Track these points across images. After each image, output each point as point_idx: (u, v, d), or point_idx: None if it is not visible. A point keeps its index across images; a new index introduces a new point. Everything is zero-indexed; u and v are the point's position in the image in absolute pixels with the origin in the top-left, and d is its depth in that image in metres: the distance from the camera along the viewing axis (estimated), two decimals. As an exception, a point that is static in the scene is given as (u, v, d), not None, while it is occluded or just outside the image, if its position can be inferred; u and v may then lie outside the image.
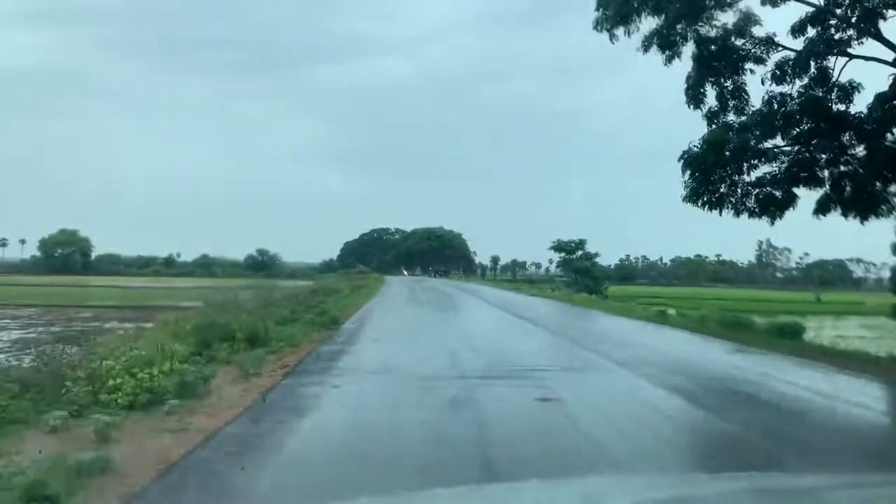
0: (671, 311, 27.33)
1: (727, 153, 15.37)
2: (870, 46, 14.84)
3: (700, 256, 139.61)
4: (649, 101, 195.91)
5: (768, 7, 15.68)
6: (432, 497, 1.88)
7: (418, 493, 2.12)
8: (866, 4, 14.56)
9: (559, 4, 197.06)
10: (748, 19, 15.86)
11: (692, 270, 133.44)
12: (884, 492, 1.84)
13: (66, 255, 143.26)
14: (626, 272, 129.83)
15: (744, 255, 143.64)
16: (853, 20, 14.84)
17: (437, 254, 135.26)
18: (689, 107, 16.22)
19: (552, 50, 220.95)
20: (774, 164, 15.57)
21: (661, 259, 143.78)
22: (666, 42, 15.56)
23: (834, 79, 15.19)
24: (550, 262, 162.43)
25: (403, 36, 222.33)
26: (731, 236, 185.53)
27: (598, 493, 1.81)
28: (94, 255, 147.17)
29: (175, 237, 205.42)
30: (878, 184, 14.91)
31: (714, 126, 16.09)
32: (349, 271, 77.25)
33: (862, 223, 15.17)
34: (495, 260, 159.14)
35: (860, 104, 15.11)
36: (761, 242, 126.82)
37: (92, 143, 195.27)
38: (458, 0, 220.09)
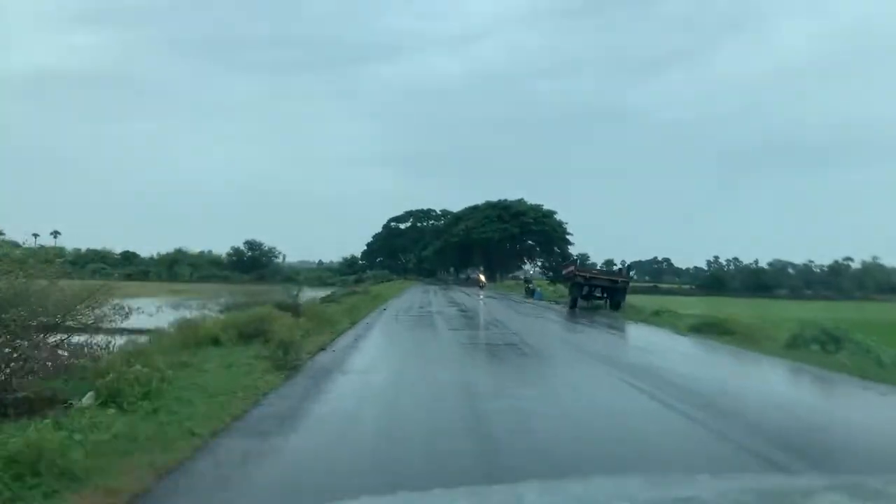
0: None
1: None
2: None
3: (847, 259, 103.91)
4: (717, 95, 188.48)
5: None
6: (432, 497, 1.91)
7: (418, 494, 1.94)
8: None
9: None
10: None
11: (858, 278, 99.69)
12: (885, 492, 1.85)
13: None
14: (762, 280, 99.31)
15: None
16: None
17: (513, 244, 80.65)
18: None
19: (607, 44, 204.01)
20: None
21: (756, 262, 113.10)
22: None
23: None
24: (623, 262, 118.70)
25: (453, 33, 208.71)
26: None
27: (598, 495, 1.86)
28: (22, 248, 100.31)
29: (194, 235, 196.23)
30: None
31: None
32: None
33: None
34: (583, 259, 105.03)
35: None
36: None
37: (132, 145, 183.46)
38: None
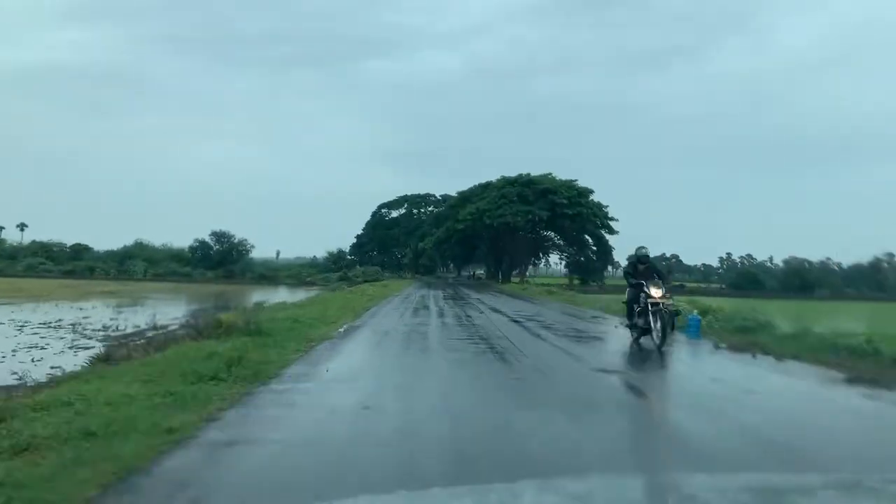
0: None
1: None
2: None
3: (889, 255, 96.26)
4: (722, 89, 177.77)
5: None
6: (432, 497, 1.92)
7: (418, 493, 1.96)
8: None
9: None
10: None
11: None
12: (884, 492, 1.84)
13: None
14: (806, 278, 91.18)
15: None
16: None
17: (534, 232, 63.81)
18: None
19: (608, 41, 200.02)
20: None
21: (770, 259, 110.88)
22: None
23: None
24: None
25: (453, 28, 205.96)
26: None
27: (598, 494, 1.85)
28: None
29: (191, 232, 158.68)
30: None
31: None
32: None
33: None
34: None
35: None
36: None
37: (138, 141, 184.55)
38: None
